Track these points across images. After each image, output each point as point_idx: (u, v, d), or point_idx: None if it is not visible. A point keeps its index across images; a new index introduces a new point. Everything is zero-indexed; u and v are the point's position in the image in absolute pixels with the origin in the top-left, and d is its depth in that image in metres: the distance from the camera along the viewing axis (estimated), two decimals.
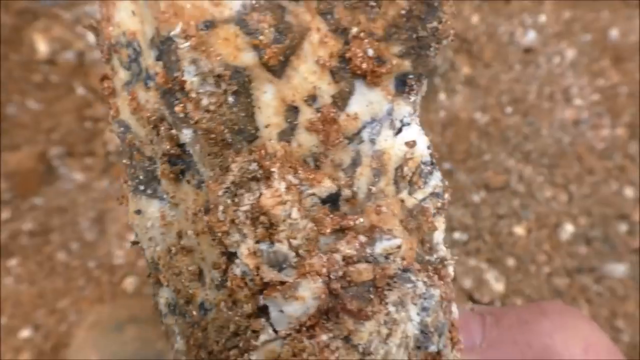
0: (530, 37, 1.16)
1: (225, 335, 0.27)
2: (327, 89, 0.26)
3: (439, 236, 0.28)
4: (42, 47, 1.36)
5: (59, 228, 1.21)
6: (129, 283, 1.18)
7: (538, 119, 1.12)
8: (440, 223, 0.28)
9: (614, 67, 1.15)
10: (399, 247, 0.27)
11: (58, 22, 1.37)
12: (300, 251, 0.25)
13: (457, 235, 1.05)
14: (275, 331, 0.26)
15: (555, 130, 1.10)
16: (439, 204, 0.28)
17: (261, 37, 0.25)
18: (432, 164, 0.28)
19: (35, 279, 1.19)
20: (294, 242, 0.25)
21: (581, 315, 0.32)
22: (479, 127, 1.15)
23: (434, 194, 0.28)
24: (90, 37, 1.37)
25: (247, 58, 0.25)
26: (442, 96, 1.19)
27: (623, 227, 1.05)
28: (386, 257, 0.26)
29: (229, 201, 0.26)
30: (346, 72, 0.26)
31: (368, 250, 0.26)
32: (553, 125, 1.11)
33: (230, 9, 0.25)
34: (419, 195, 0.28)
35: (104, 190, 1.25)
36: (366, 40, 0.25)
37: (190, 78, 0.25)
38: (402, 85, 0.27)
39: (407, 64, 0.26)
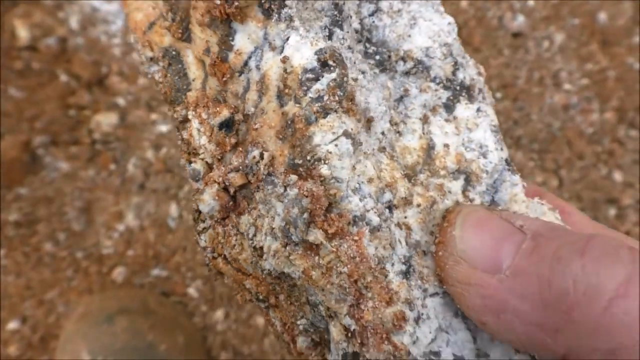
0: (519, 21, 1.16)
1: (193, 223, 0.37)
2: (212, 40, 0.33)
3: (319, 138, 0.30)
4: (23, 33, 1.33)
5: (45, 218, 1.20)
6: (118, 273, 1.17)
7: (528, 104, 1.12)
8: (320, 126, 0.30)
9: (602, 51, 1.15)
10: (254, 157, 0.32)
11: (38, 7, 1.34)
12: (214, 167, 0.33)
13: None
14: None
15: (545, 115, 1.11)
16: (316, 108, 0.30)
17: (166, 22, 0.34)
18: (323, 66, 0.30)
19: (22, 270, 1.17)
20: (208, 161, 0.34)
21: (631, 260, 0.25)
22: None
23: (314, 99, 0.30)
24: (73, 23, 1.34)
25: (167, 39, 0.34)
26: None
27: (612, 211, 1.07)
28: (256, 165, 0.32)
29: (180, 138, 0.36)
30: (216, 21, 0.32)
31: (246, 161, 0.32)
32: (543, 110, 1.11)
33: (160, 9, 0.35)
34: (304, 103, 0.30)
35: (90, 180, 1.24)
36: None
37: (143, 67, 0.35)
38: (264, 10, 0.31)
39: None
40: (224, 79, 0.33)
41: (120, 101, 1.31)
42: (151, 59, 0.35)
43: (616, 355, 0.24)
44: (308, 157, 0.30)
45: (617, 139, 1.10)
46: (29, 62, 1.33)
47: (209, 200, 0.33)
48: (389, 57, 0.34)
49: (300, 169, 0.30)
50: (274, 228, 0.31)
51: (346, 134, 0.30)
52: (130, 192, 1.22)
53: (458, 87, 0.34)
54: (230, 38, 0.33)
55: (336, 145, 0.30)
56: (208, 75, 0.34)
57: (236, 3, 0.31)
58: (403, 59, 0.34)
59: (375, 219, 0.30)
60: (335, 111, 0.30)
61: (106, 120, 1.27)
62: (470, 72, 0.35)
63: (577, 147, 1.07)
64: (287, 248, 0.31)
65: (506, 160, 0.34)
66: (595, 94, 1.12)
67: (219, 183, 0.33)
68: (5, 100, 1.29)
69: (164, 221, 1.19)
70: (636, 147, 1.11)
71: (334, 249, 0.29)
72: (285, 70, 0.31)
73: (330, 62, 0.30)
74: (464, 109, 0.34)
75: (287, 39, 0.31)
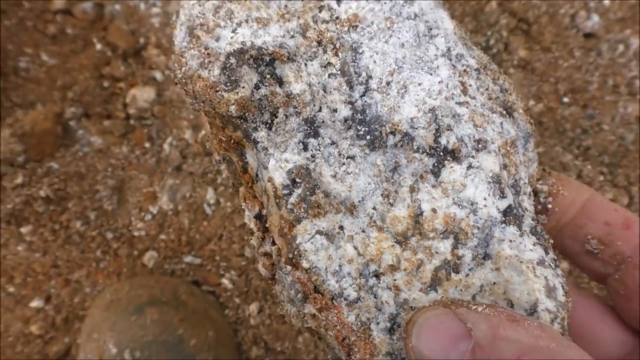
0: (592, 21, 1.10)
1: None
2: (235, 159, 0.42)
3: (299, 239, 0.38)
4: None
5: (76, 195, 1.15)
6: (149, 257, 1.13)
7: (599, 112, 1.07)
8: (298, 229, 0.38)
9: None
10: (269, 248, 0.42)
11: None
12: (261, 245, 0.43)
13: None
14: None
15: (617, 126, 1.05)
16: (292, 217, 0.38)
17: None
18: (293, 183, 0.38)
19: (49, 248, 1.14)
20: (257, 240, 0.43)
21: None
22: (531, 116, 1.09)
23: (290, 210, 0.38)
24: None
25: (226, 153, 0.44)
26: None
27: None
28: (272, 253, 0.42)
29: None
30: (233, 150, 0.42)
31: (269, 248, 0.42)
32: (615, 120, 1.06)
33: None
34: (287, 209, 0.38)
35: (124, 157, 1.19)
36: (220, 132, 0.41)
37: (215, 165, 0.51)
38: (251, 144, 0.39)
39: (239, 133, 0.40)
40: (249, 184, 0.42)
41: (158, 75, 1.25)
42: (218, 160, 0.45)
43: None
44: (295, 253, 0.38)
45: None
46: (63, 27, 1.28)
47: (261, 269, 0.43)
48: (381, 133, 0.37)
49: (293, 260, 0.38)
50: (289, 298, 0.40)
51: (319, 232, 0.38)
52: (166, 173, 1.18)
53: (442, 153, 0.38)
54: (244, 157, 0.41)
55: (312, 243, 0.37)
56: None
57: (231, 141, 0.41)
58: (392, 133, 0.37)
59: (353, 294, 0.37)
60: (306, 217, 0.38)
61: (143, 95, 1.21)
62: (461, 126, 0.38)
63: None
64: (300, 312, 0.40)
65: (506, 210, 0.38)
66: None
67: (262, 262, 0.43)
68: (36, 67, 1.24)
69: (200, 206, 1.15)
70: None
71: (324, 318, 0.38)
72: (273, 185, 0.38)
73: (297, 180, 0.38)
74: (449, 173, 0.38)
75: (269, 166, 0.38)
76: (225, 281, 1.12)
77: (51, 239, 1.14)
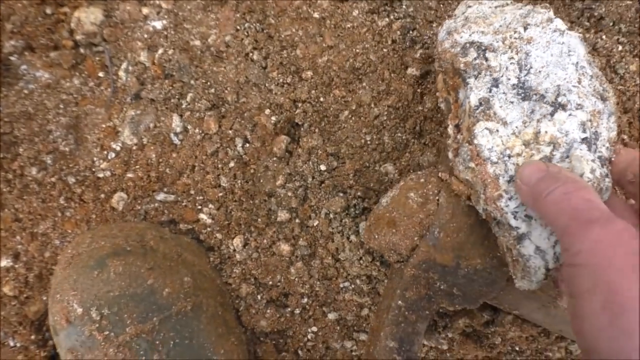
0: None
1: None
2: (451, 97, 0.74)
3: (476, 129, 0.67)
4: None
5: (26, 139, 1.04)
6: (118, 199, 1.03)
7: None
8: (476, 125, 0.66)
9: None
10: (459, 137, 0.71)
11: None
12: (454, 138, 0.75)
13: None
14: None
15: None
16: (474, 119, 0.67)
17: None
18: (480, 104, 0.67)
19: (6, 201, 1.04)
20: (451, 137, 0.75)
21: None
22: None
23: (474, 116, 0.67)
24: None
25: (445, 91, 0.78)
26: None
27: None
28: (459, 141, 0.73)
29: None
30: (452, 91, 0.75)
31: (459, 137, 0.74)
32: None
33: None
34: (473, 116, 0.67)
35: (76, 91, 1.07)
36: (450, 79, 0.74)
37: (440, 103, 0.80)
38: (465, 85, 0.71)
39: (460, 80, 0.71)
40: (456, 109, 0.71)
41: None
42: (441, 100, 0.77)
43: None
44: (471, 137, 0.66)
45: None
46: None
47: (450, 153, 0.72)
48: (529, 94, 0.66)
49: (469, 140, 0.66)
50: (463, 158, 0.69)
51: (486, 129, 0.65)
52: (125, 103, 1.06)
53: (557, 105, 0.65)
54: (457, 94, 0.71)
55: (481, 133, 0.65)
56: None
57: (454, 84, 0.72)
58: (535, 94, 0.65)
59: (494, 159, 0.65)
60: (482, 120, 0.66)
61: (89, 17, 1.08)
62: (571, 95, 0.64)
63: None
64: (467, 168, 0.68)
65: (583, 138, 0.63)
66: None
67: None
68: None
69: (167, 137, 1.04)
70: None
71: (477, 170, 0.66)
72: (469, 105, 0.67)
73: (482, 102, 0.66)
74: (559, 115, 0.64)
75: (470, 95, 0.67)
76: (203, 216, 1.02)
77: (7, 190, 1.04)
